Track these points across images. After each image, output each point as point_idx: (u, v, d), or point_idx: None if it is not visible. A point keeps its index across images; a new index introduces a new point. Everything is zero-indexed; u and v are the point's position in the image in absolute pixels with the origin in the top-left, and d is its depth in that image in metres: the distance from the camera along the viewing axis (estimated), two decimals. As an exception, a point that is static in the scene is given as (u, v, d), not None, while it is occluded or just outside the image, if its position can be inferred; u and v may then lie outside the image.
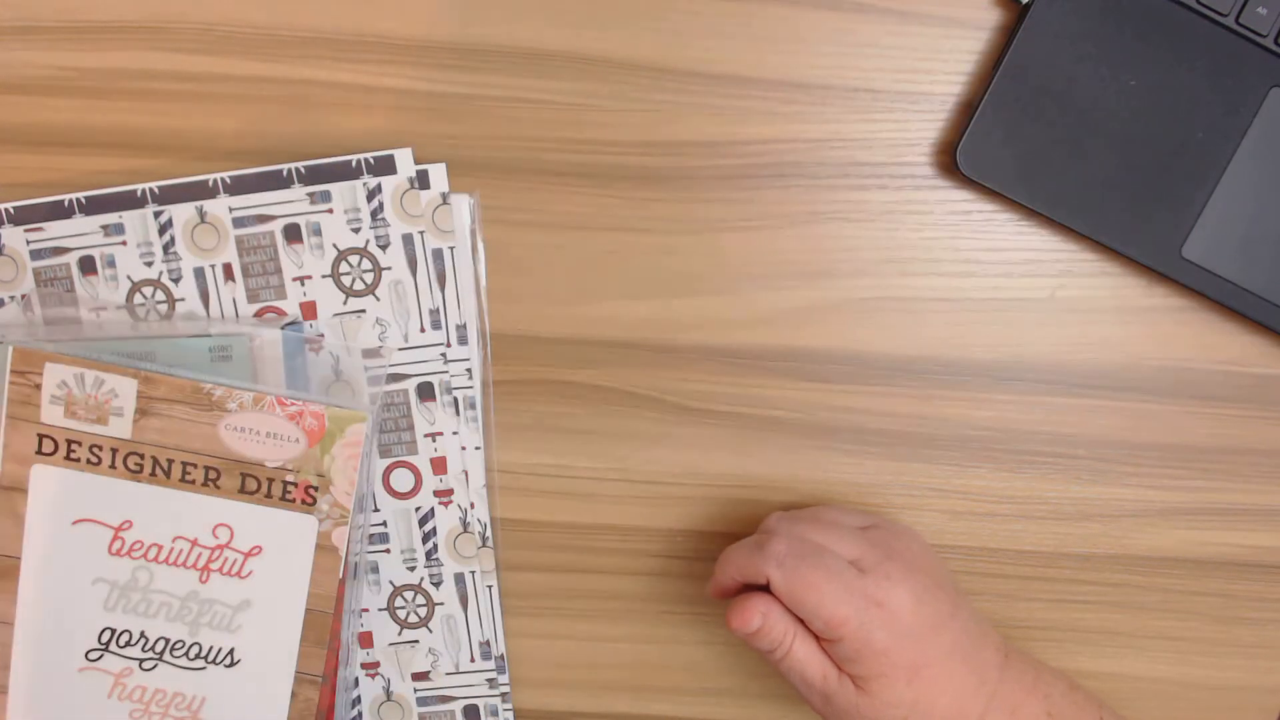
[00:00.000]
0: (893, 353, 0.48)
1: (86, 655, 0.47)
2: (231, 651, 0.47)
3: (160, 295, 0.48)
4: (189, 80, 0.46)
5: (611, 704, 0.53)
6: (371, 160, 0.46)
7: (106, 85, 0.46)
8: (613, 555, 0.51)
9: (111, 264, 0.47)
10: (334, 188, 0.47)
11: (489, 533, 0.50)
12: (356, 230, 0.47)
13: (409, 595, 0.50)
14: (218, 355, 0.46)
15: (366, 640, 0.51)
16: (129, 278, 0.47)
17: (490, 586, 0.50)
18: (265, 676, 0.48)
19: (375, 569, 0.50)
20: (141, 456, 0.46)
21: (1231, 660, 0.51)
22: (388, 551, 0.50)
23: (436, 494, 0.49)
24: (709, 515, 0.50)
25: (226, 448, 0.46)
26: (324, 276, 0.47)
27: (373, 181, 0.47)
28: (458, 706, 0.52)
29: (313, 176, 0.46)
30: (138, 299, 0.48)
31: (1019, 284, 0.48)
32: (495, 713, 0.52)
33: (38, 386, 0.45)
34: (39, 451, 0.45)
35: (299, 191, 0.47)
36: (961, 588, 0.45)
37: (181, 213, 0.47)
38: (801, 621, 0.42)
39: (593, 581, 0.51)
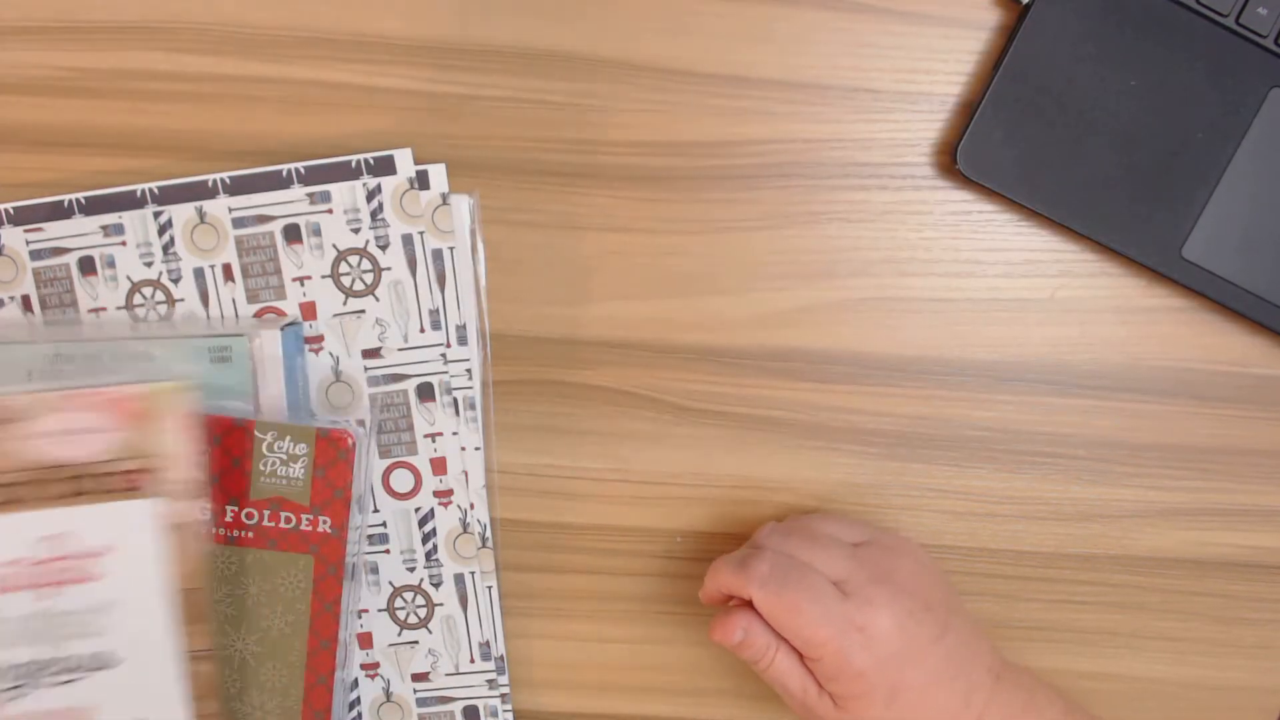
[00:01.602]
0: (893, 353, 0.48)
1: None
2: (109, 654, 0.45)
3: (160, 295, 0.48)
4: (189, 80, 0.46)
5: (611, 704, 0.53)
6: (371, 160, 0.46)
7: (106, 85, 0.46)
8: (613, 555, 0.51)
9: (111, 264, 0.47)
10: (334, 188, 0.47)
11: (489, 533, 0.50)
12: (356, 230, 0.47)
13: (408, 596, 0.50)
14: (217, 356, 0.46)
15: (366, 641, 0.51)
16: (129, 278, 0.47)
17: (490, 587, 0.50)
18: (151, 667, 0.46)
19: (375, 569, 0.50)
20: None
21: (1231, 661, 0.51)
22: (387, 552, 0.50)
23: (436, 494, 0.49)
24: (709, 515, 0.50)
25: (40, 457, 0.43)
26: (324, 277, 0.47)
27: (372, 182, 0.47)
28: (457, 707, 0.52)
29: (313, 176, 0.46)
30: (137, 299, 0.48)
31: (1019, 284, 0.48)
32: (495, 713, 0.52)
33: None
34: None
35: (299, 191, 0.47)
36: (957, 604, 0.45)
37: (181, 213, 0.47)
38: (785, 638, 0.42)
39: (593, 581, 0.51)
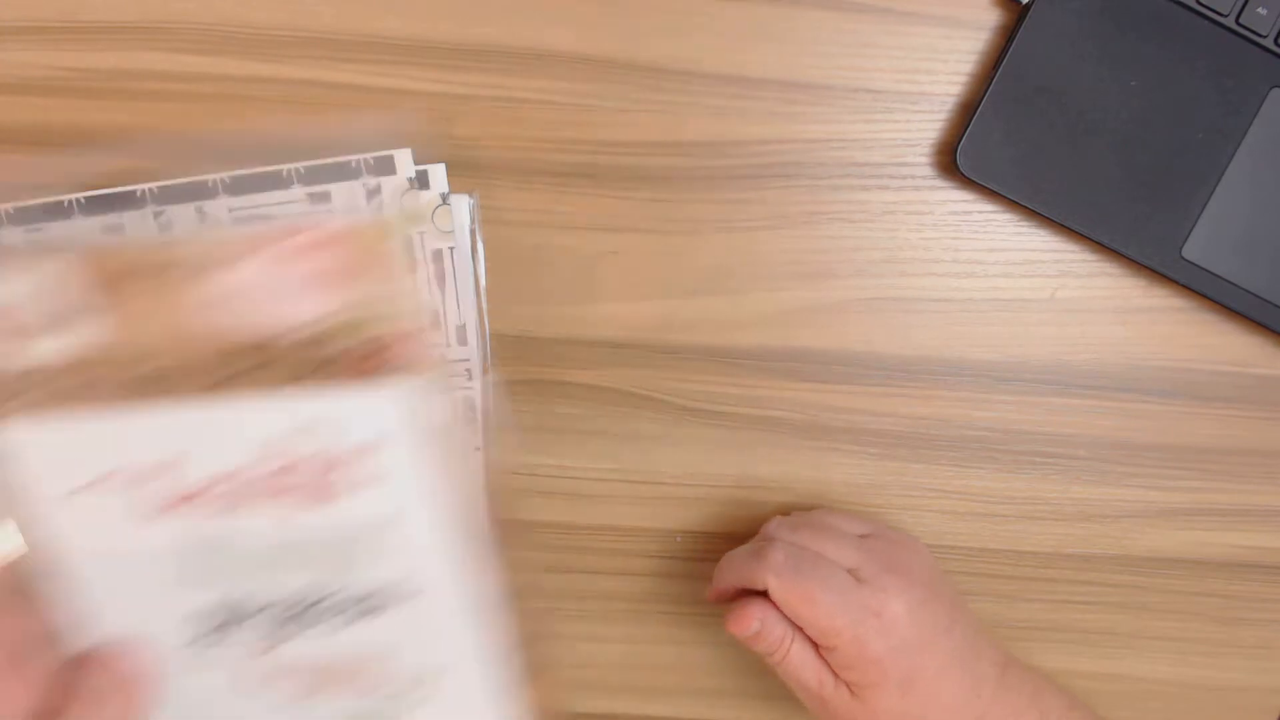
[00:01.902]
0: (893, 353, 0.48)
1: (191, 652, 0.36)
2: (374, 593, 0.36)
3: (160, 295, 0.48)
4: (189, 80, 0.46)
5: (611, 704, 0.53)
6: (371, 160, 0.46)
7: (106, 85, 0.46)
8: (613, 555, 0.51)
9: (111, 264, 0.47)
10: (334, 188, 0.47)
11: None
12: (356, 230, 0.47)
13: (409, 595, 0.50)
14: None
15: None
16: (129, 278, 0.47)
17: (490, 587, 0.50)
18: (434, 604, 0.36)
19: (375, 569, 0.50)
20: (141, 366, 0.33)
21: (1232, 661, 0.51)
22: (388, 552, 0.50)
23: (436, 494, 0.49)
24: (709, 515, 0.50)
25: (263, 326, 0.33)
26: (324, 276, 0.47)
27: (372, 182, 0.47)
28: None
29: (313, 176, 0.46)
30: (138, 299, 0.48)
31: (1019, 284, 0.48)
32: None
33: None
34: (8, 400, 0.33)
35: (299, 191, 0.47)
36: (961, 599, 0.45)
37: (181, 213, 0.47)
38: (800, 627, 0.42)
39: (593, 581, 0.51)
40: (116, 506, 0.34)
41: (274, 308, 0.32)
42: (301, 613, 0.36)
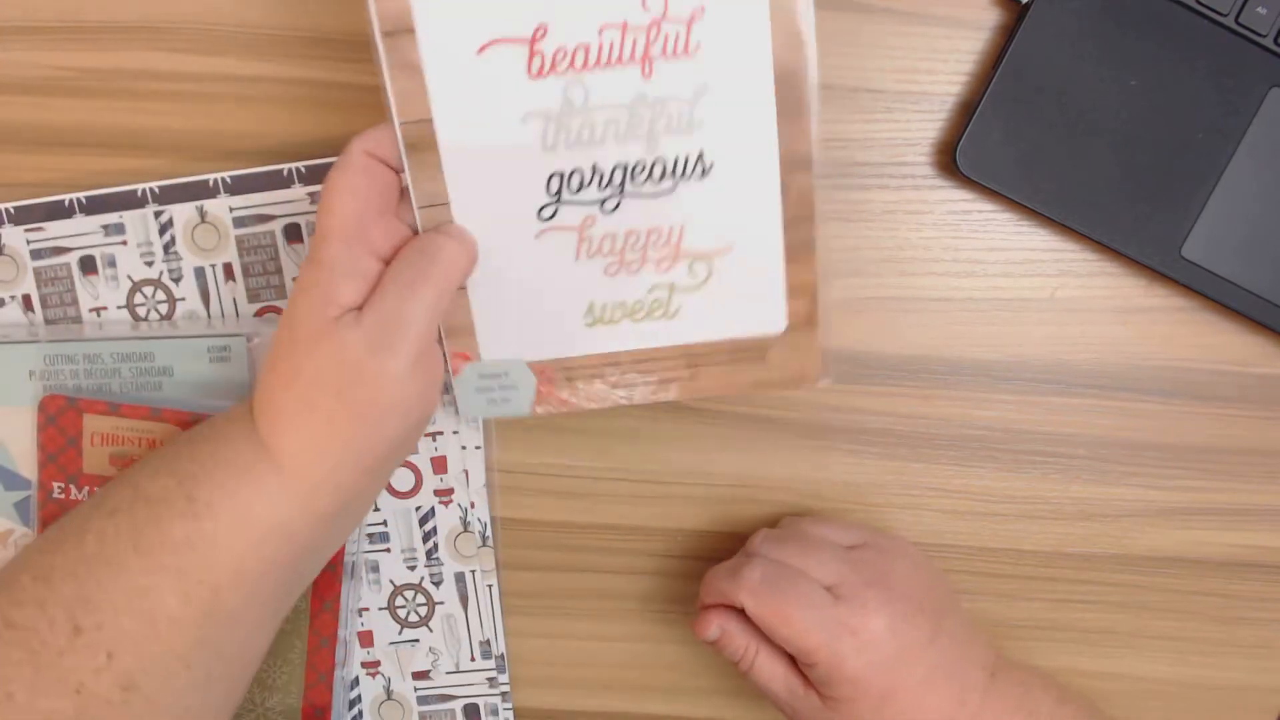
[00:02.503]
0: (893, 353, 0.48)
1: (540, 214, 0.40)
2: (700, 157, 0.39)
3: (161, 295, 0.48)
4: (189, 80, 0.46)
5: (611, 703, 0.53)
6: (371, 160, 0.46)
7: (106, 85, 0.46)
8: (613, 555, 0.51)
9: (112, 264, 0.47)
10: (334, 188, 0.47)
11: (489, 532, 0.50)
12: (356, 230, 0.47)
13: (409, 594, 0.51)
14: (216, 356, 0.46)
15: (367, 639, 0.51)
16: (129, 277, 0.47)
17: (490, 586, 0.51)
18: (746, 175, 0.39)
19: (375, 568, 0.50)
20: None
21: (1232, 660, 0.51)
22: (388, 551, 0.50)
23: (436, 493, 0.49)
24: (709, 515, 0.50)
25: None
26: (324, 276, 0.47)
27: (373, 181, 0.47)
28: (458, 705, 0.52)
29: (313, 176, 0.46)
30: (138, 299, 0.48)
31: (1019, 284, 0.48)
32: (495, 712, 0.52)
33: None
34: None
35: (299, 191, 0.47)
36: (951, 604, 0.45)
37: (182, 213, 0.47)
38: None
39: (593, 581, 0.51)
40: (506, 68, 0.38)
41: None
42: (625, 179, 0.39)
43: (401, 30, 0.37)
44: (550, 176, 0.39)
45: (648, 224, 0.40)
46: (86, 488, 0.46)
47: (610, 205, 0.40)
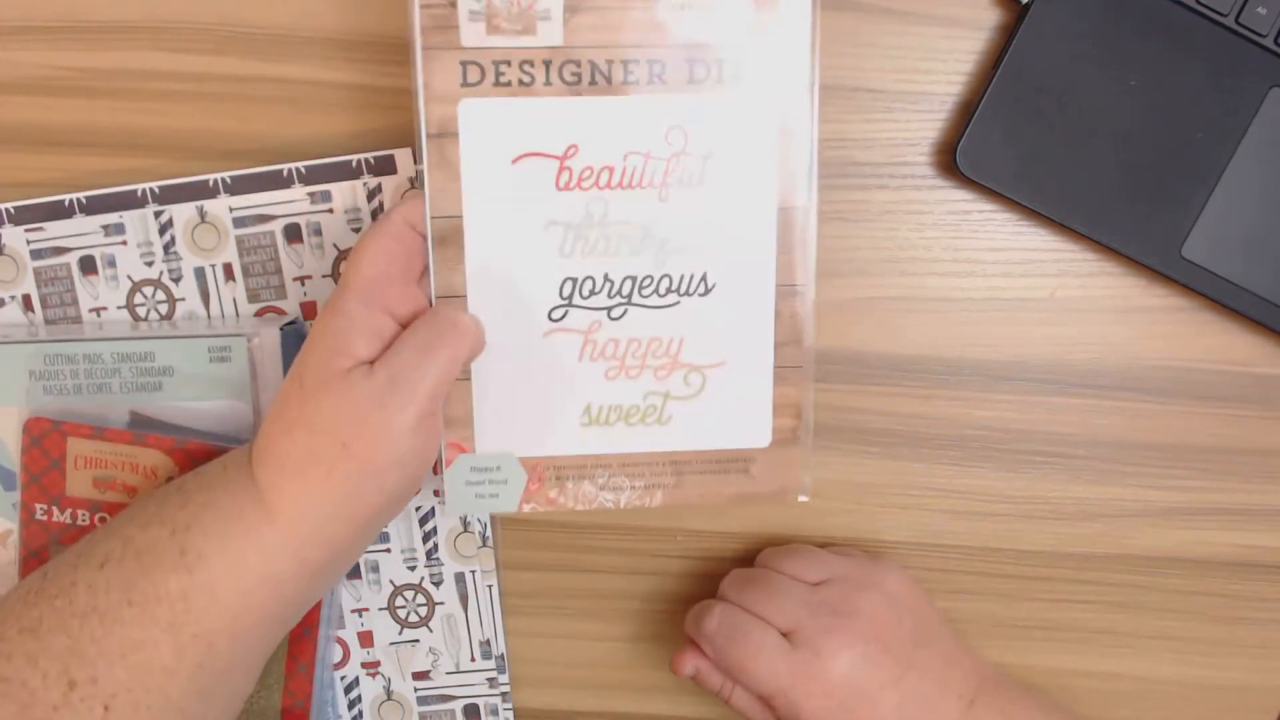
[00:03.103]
0: (893, 353, 0.48)
1: (550, 315, 0.42)
2: (704, 277, 0.42)
3: (161, 295, 0.48)
4: (189, 80, 0.46)
5: (611, 703, 0.53)
6: (371, 160, 0.46)
7: (106, 85, 0.47)
8: (613, 554, 0.51)
9: (112, 264, 0.47)
10: (334, 188, 0.47)
11: (489, 532, 0.50)
12: (358, 230, 0.47)
13: (409, 594, 0.51)
14: (216, 356, 0.46)
15: (367, 639, 0.51)
16: (129, 277, 0.47)
17: (490, 586, 0.51)
18: (743, 297, 0.43)
19: (375, 568, 0.50)
20: (578, 65, 0.40)
21: (1232, 660, 0.51)
22: (388, 551, 0.50)
23: (437, 494, 0.49)
24: (709, 515, 0.50)
25: (668, 33, 0.40)
26: (324, 276, 0.47)
27: (373, 181, 0.47)
28: (458, 705, 0.52)
29: (313, 176, 0.46)
30: (138, 299, 0.48)
31: (1019, 284, 0.48)
32: (495, 712, 0.52)
33: (452, 4, 0.39)
34: (464, 83, 0.40)
35: (299, 191, 0.47)
36: (931, 634, 0.45)
37: (182, 212, 0.47)
38: None
39: (593, 581, 0.51)
40: (536, 179, 0.41)
41: (694, 23, 0.40)
42: (633, 290, 0.42)
43: (447, 134, 0.40)
44: (564, 280, 0.42)
45: (650, 333, 0.43)
46: (69, 510, 0.46)
47: (617, 313, 0.43)
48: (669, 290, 0.42)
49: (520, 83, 0.40)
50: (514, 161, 0.41)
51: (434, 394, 0.38)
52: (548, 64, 0.40)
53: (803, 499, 0.45)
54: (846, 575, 0.45)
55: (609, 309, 0.42)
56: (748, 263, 0.42)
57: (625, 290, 0.42)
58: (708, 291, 0.42)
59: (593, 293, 0.42)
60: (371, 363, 0.38)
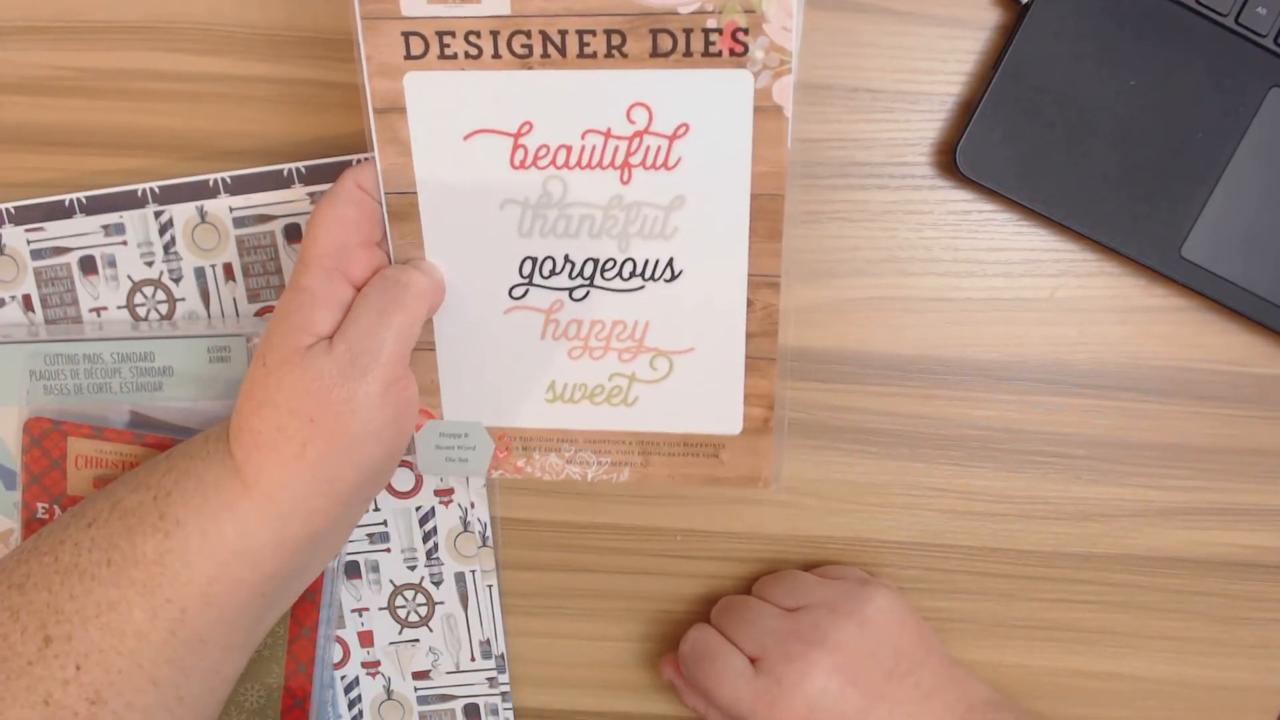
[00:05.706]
0: (893, 353, 0.48)
1: (510, 293, 0.41)
2: (670, 263, 0.40)
3: (161, 295, 0.48)
4: (189, 80, 0.46)
5: (611, 703, 0.53)
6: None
7: (106, 85, 0.47)
8: (613, 555, 0.51)
9: (112, 264, 0.47)
10: (334, 188, 0.47)
11: (489, 532, 0.50)
12: (356, 230, 0.47)
13: (409, 594, 0.51)
14: (216, 356, 0.46)
15: (367, 639, 0.51)
16: (129, 277, 0.47)
17: (490, 586, 0.51)
18: (713, 286, 0.41)
19: (375, 568, 0.50)
20: (528, 35, 0.37)
21: (1232, 660, 0.51)
22: (388, 551, 0.50)
23: (437, 493, 0.49)
24: (709, 515, 0.50)
25: (628, 0, 0.37)
26: (324, 276, 0.47)
27: (373, 181, 0.47)
28: (458, 705, 0.52)
29: (313, 176, 0.47)
30: (138, 299, 0.48)
31: (1019, 284, 0.48)
32: (495, 711, 0.52)
33: None
34: (408, 55, 0.38)
35: (299, 191, 0.47)
36: (914, 664, 0.44)
37: (182, 212, 0.47)
38: None
39: (593, 581, 0.51)
40: (490, 156, 0.39)
41: None
42: (595, 272, 0.41)
43: (394, 109, 0.39)
44: (524, 260, 0.41)
45: (613, 316, 0.42)
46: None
47: (579, 294, 0.41)
48: (633, 274, 0.41)
49: (467, 55, 0.38)
50: (465, 138, 0.39)
51: (394, 360, 0.38)
52: (495, 34, 0.37)
53: (774, 487, 0.45)
54: (825, 601, 0.45)
55: (570, 290, 0.41)
56: (718, 251, 0.40)
57: (587, 272, 0.41)
58: (674, 278, 0.41)
59: (553, 273, 0.41)
60: (331, 336, 0.38)
